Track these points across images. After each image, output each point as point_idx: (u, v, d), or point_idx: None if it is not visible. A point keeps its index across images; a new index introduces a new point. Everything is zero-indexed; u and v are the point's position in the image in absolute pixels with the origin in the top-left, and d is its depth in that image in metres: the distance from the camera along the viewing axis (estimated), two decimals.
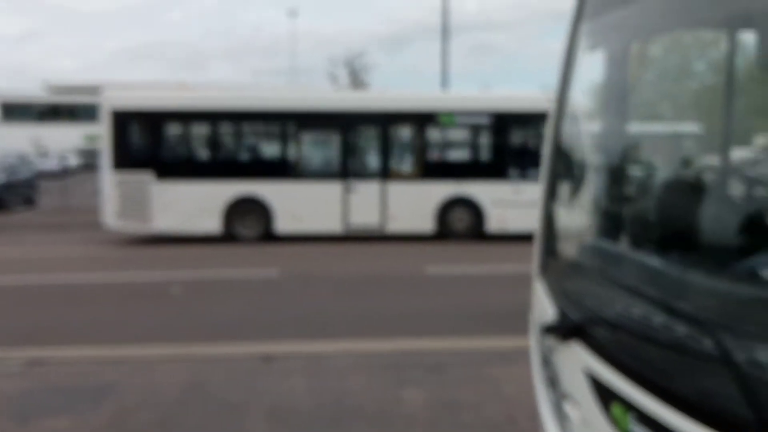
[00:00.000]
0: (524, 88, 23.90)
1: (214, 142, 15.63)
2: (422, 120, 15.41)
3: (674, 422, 1.68)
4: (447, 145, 15.79)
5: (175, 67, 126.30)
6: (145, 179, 15.04)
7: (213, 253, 14.03)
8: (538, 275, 2.98)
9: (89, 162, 44.69)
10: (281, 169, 15.43)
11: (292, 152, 15.58)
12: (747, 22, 2.28)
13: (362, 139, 15.71)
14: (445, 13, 26.64)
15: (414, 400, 5.38)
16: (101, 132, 15.32)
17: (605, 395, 2.05)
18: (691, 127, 3.01)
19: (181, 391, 5.61)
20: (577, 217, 3.02)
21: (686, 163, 2.90)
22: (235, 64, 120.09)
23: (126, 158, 15.11)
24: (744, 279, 1.94)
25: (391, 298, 9.55)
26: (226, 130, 15.73)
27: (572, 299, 2.55)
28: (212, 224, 15.18)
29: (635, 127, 2.93)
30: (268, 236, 15.23)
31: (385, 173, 15.37)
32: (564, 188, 3.00)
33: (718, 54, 2.69)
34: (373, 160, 15.58)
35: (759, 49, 2.19)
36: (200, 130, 15.83)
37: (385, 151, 15.44)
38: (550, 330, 2.42)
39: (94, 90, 24.10)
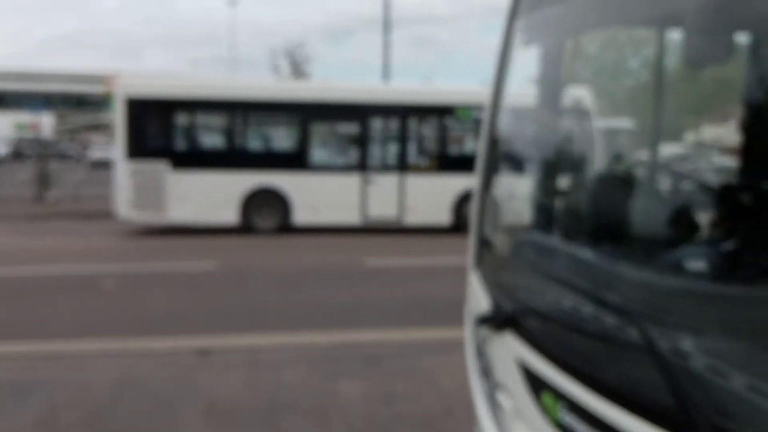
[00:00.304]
0: (465, 83, 24.08)
1: (231, 132, 15.25)
2: (440, 113, 15.40)
3: (602, 410, 1.73)
4: (464, 138, 15.77)
5: (108, 56, 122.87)
6: (160, 169, 14.61)
7: (151, 246, 13.73)
8: (474, 267, 3.01)
9: (19, 151, 43.17)
10: (300, 161, 15.17)
11: (310, 143, 15.34)
12: (675, 21, 2.34)
13: (381, 131, 15.60)
14: (387, 5, 26.67)
15: (351, 393, 5.39)
16: (114, 120, 14.82)
17: (536, 385, 2.09)
18: (622, 123, 3.09)
19: (114, 388, 5.47)
20: (511, 210, 3.07)
21: (617, 157, 2.98)
22: (172, 52, 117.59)
23: (140, 147, 14.63)
24: (670, 270, 2.01)
25: (330, 291, 9.53)
26: (243, 120, 15.33)
27: (506, 291, 2.58)
28: (229, 215, 14.86)
29: (568, 123, 2.98)
30: (286, 228, 15.00)
31: (404, 165, 15.32)
32: (499, 181, 3.03)
33: (649, 52, 2.76)
34: (391, 153, 15.49)
35: (685, 47, 2.25)
36: (217, 120, 15.44)
37: (404, 143, 15.38)
38: (484, 321, 2.46)
39: (23, 77, 23.28)
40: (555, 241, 2.59)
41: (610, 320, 1.87)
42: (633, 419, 1.62)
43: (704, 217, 2.30)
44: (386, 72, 26.88)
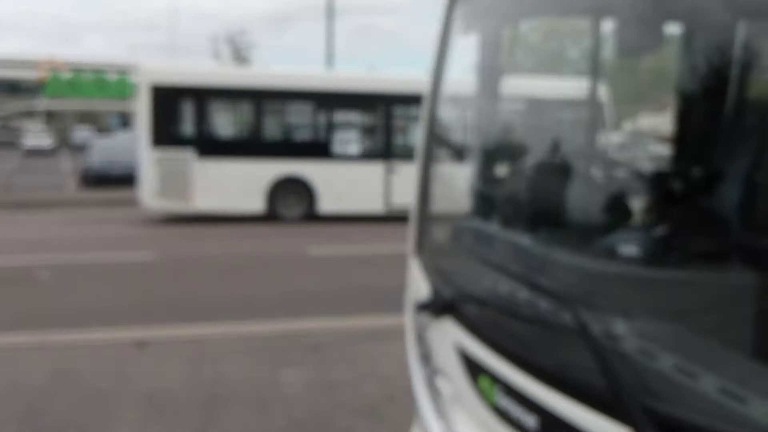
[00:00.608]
0: (410, 71, 24.10)
1: (257, 121, 15.24)
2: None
3: (536, 393, 1.75)
4: None
5: (44, 40, 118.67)
6: (186, 157, 14.52)
7: (87, 236, 13.36)
8: (414, 254, 3.02)
9: None
10: (325, 149, 15.14)
11: (335, 132, 15.33)
12: (609, 10, 2.38)
13: (405, 120, 15.57)
14: None
15: (292, 381, 5.36)
16: (137, 107, 14.59)
17: (474, 369, 2.11)
18: (561, 110, 3.13)
19: (48, 381, 5.32)
20: (451, 197, 3.08)
21: (554, 145, 3.02)
22: (111, 38, 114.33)
23: (166, 135, 14.49)
24: (603, 255, 2.05)
25: (272, 280, 9.45)
26: (269, 108, 15.33)
27: (445, 277, 2.60)
28: (255, 204, 14.84)
29: (506, 110, 3.01)
30: (311, 216, 14.93)
31: None
32: (439, 169, 3.04)
33: (587, 41, 2.80)
34: (414, 142, 15.42)
35: (618, 36, 2.29)
36: (244, 108, 15.39)
37: None
38: (423, 307, 2.46)
39: None
40: (493, 227, 2.62)
41: (544, 305, 1.90)
42: (566, 401, 1.64)
43: (638, 204, 2.35)
44: (329, 60, 26.74)
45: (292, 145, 15.51)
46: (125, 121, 41.50)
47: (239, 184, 14.65)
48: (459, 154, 3.16)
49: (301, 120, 15.91)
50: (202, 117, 14.98)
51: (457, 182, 3.08)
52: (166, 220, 14.89)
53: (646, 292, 1.86)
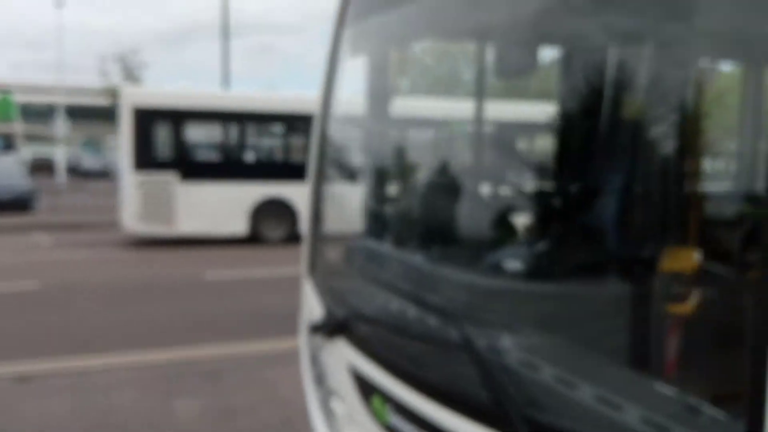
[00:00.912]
0: (310, 92, 24.17)
1: (240, 144, 15.00)
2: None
3: (426, 410, 1.77)
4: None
5: None
6: (169, 180, 14.27)
7: None
8: (307, 275, 3.00)
9: None
10: (306, 171, 14.61)
11: None
12: (489, 34, 2.46)
13: None
14: (225, 11, 26.18)
15: (187, 410, 5.19)
16: (120, 130, 14.19)
17: (366, 389, 2.11)
18: (446, 132, 3.20)
19: None
20: (343, 217, 3.09)
21: (443, 165, 3.08)
22: None
23: (148, 158, 14.25)
24: (488, 272, 2.10)
25: (167, 306, 9.15)
26: (251, 131, 15.13)
27: (338, 298, 2.59)
28: (238, 226, 14.59)
29: (395, 132, 3.05)
30: (294, 237, 14.29)
31: None
32: (331, 190, 3.05)
33: (470, 63, 2.89)
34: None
35: (497, 59, 2.38)
36: (226, 131, 15.06)
37: None
38: (316, 329, 2.45)
39: None
40: (384, 247, 2.64)
41: (432, 322, 1.92)
42: (455, 417, 1.67)
43: (521, 220, 2.43)
44: (225, 79, 26.37)
45: (273, 167, 15.45)
46: (8, 143, 39.31)
47: (222, 207, 14.52)
48: (350, 174, 3.18)
49: (283, 142, 15.86)
50: (184, 140, 14.89)
51: (349, 203, 3.09)
52: (51, 247, 14.17)
53: (529, 306, 1.92)
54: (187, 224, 14.51)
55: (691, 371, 1.70)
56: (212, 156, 15.54)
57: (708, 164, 2.36)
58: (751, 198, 2.57)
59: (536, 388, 1.58)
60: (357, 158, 3.20)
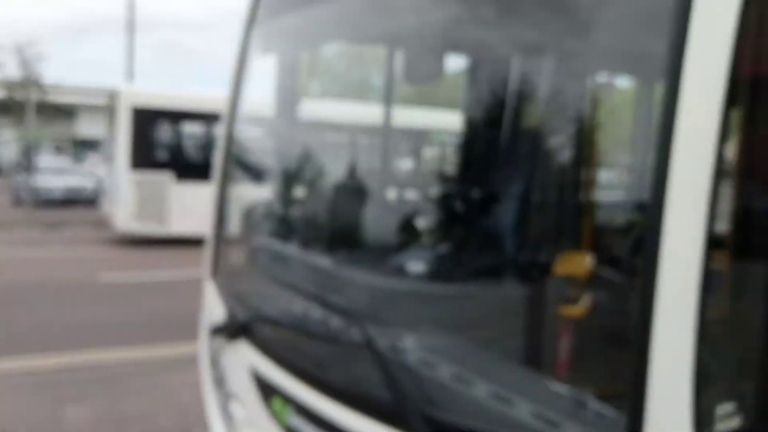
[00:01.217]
0: (215, 90, 23.67)
1: None
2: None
3: (328, 410, 1.77)
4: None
5: None
6: (164, 180, 14.29)
7: None
8: (210, 276, 2.95)
9: None
10: None
11: None
12: (397, 40, 2.50)
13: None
14: (131, 5, 25.36)
15: (79, 418, 4.98)
16: (116, 129, 13.89)
17: (267, 391, 2.09)
18: (355, 135, 3.22)
19: None
20: (248, 219, 3.05)
21: (349, 169, 3.10)
22: None
23: (144, 158, 14.25)
24: (391, 273, 2.13)
25: (59, 309, 8.75)
26: None
27: (240, 300, 2.56)
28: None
29: (303, 134, 3.05)
30: None
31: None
32: (235, 191, 3.01)
33: (379, 67, 2.92)
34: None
35: (406, 65, 2.42)
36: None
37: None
38: (217, 331, 2.41)
39: None
40: (289, 248, 2.63)
41: (335, 323, 1.93)
42: (356, 416, 1.68)
43: (425, 224, 2.48)
44: (129, 75, 25.51)
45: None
46: None
47: None
48: (256, 176, 3.15)
49: None
50: (180, 140, 14.92)
51: (253, 204, 3.06)
52: None
53: (430, 307, 1.96)
54: (181, 224, 14.33)
55: (581, 370, 1.78)
56: (207, 157, 15.34)
57: (602, 175, 2.48)
58: (641, 207, 2.71)
59: (435, 387, 1.62)
60: (263, 160, 3.18)
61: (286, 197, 2.93)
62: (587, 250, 1.95)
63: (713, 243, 1.27)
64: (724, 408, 1.37)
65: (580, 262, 1.90)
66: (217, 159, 2.99)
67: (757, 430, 1.42)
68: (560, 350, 1.81)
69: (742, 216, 1.57)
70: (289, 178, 2.90)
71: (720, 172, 1.25)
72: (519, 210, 2.21)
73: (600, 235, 2.17)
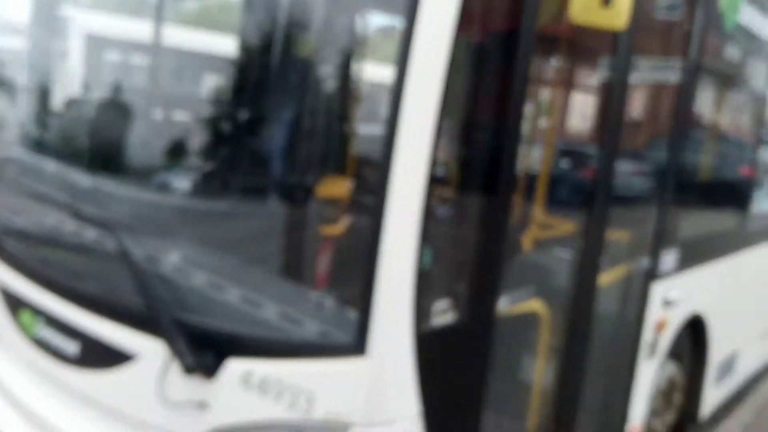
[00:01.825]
0: None
1: None
2: None
3: (78, 320, 1.76)
4: None
5: None
6: None
7: None
8: None
9: None
10: None
11: None
12: None
13: None
14: None
15: None
16: None
17: (14, 304, 2.01)
18: (126, 52, 3.07)
19: None
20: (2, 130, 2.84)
21: (114, 84, 2.96)
22: None
23: None
24: (155, 189, 2.12)
25: None
26: None
27: None
28: None
29: (63, 44, 2.86)
30: None
31: None
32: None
33: None
34: None
35: None
36: None
37: None
38: None
39: None
40: (44, 161, 2.50)
41: (91, 235, 1.90)
42: (107, 324, 1.69)
43: (193, 144, 2.47)
44: None
45: None
46: None
47: None
48: (10, 86, 2.92)
49: None
50: None
51: (8, 115, 2.84)
52: None
53: (193, 223, 1.99)
54: None
55: (338, 281, 1.93)
56: None
57: (367, 109, 2.62)
58: None
59: (189, 293, 1.67)
60: (18, 70, 2.95)
61: (41, 110, 2.74)
62: (349, 177, 2.10)
63: (436, 175, 1.47)
64: (440, 305, 1.59)
65: (342, 187, 2.04)
66: None
67: (465, 321, 1.66)
68: (319, 264, 1.94)
69: (462, 152, 1.80)
70: (45, 90, 2.72)
71: (444, 115, 1.44)
72: (288, 135, 2.27)
73: (360, 165, 2.32)
